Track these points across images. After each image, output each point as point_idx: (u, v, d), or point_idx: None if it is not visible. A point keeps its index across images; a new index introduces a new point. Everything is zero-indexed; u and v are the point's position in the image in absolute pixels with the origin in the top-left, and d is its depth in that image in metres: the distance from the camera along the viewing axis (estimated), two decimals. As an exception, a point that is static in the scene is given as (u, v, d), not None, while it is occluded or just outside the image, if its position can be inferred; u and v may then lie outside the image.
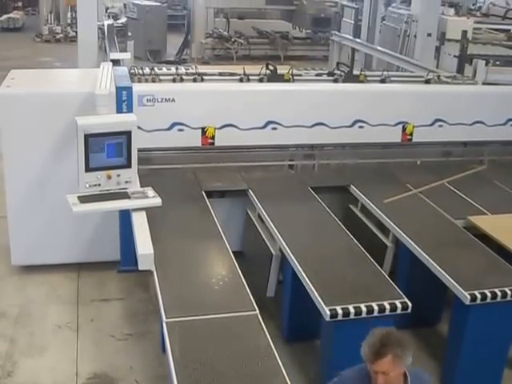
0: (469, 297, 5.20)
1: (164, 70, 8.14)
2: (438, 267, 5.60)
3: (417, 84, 8.39)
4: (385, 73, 8.36)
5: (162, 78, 7.52)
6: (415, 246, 5.96)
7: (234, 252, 5.72)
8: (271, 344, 4.45)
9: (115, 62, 7.78)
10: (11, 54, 19.63)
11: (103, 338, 6.19)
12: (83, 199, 5.69)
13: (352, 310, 4.90)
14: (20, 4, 30.07)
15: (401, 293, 5.18)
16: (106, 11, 19.10)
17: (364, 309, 4.92)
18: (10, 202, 6.95)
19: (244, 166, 7.43)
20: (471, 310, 5.29)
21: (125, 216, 6.29)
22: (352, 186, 7.23)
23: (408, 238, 6.10)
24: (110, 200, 5.77)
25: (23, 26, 25.74)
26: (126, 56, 8.34)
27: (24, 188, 6.85)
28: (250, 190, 6.99)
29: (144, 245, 5.20)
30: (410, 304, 5.05)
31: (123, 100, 6.72)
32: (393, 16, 17.20)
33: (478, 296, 5.22)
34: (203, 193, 6.82)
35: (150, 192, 5.91)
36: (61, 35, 23.47)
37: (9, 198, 6.95)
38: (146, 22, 19.95)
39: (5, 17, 25.69)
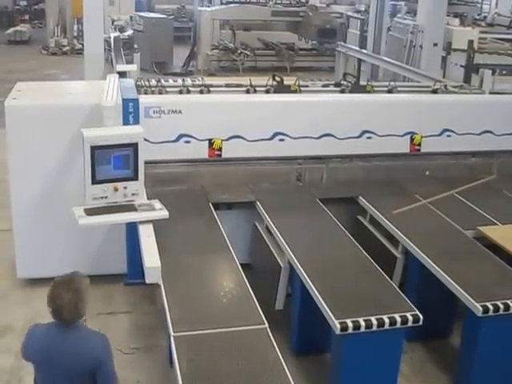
0: (481, 308, 5.13)
1: (170, 81, 8.12)
2: (448, 278, 5.53)
3: (424, 94, 8.34)
4: (392, 83, 8.32)
5: (168, 89, 7.50)
6: (425, 257, 5.90)
7: (241, 264, 5.67)
8: (281, 358, 4.39)
9: (122, 74, 7.76)
10: (18, 66, 19.68)
11: (110, 351, 6.12)
12: (89, 212, 5.65)
13: (362, 323, 4.83)
14: (27, 17, 30.20)
15: (412, 305, 5.12)
16: (113, 24, 19.16)
17: (375, 322, 4.86)
18: (16, 214, 6.92)
19: (251, 178, 7.37)
20: (483, 321, 5.22)
21: (131, 228, 6.25)
22: (360, 197, 7.17)
23: (418, 249, 6.03)
24: (117, 212, 5.73)
25: (30, 38, 25.81)
26: (133, 68, 8.32)
27: (30, 200, 6.81)
28: (257, 202, 6.94)
29: (151, 258, 5.15)
30: (421, 316, 4.99)
31: (130, 112, 6.69)
32: (398, 26, 17.18)
33: (491, 307, 5.15)
34: (210, 205, 6.77)
35: (157, 204, 5.87)
36: (67, 48, 23.53)
37: (14, 211, 6.91)
38: (152, 35, 19.96)
39: (12, 30, 25.79)
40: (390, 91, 8.14)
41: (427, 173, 7.89)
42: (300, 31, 21.44)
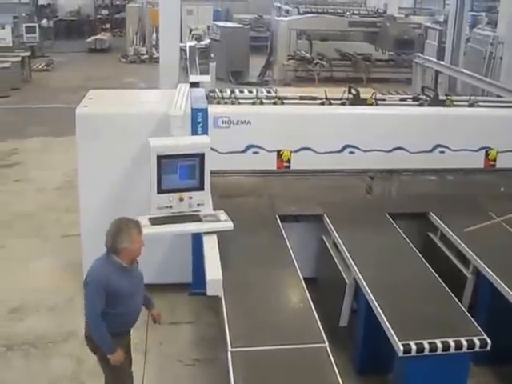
0: (553, 334, 4.89)
1: (245, 92, 8.08)
2: (521, 301, 5.30)
3: (502, 108, 8.05)
4: (472, 97, 8.04)
5: (241, 101, 7.46)
6: (497, 278, 5.66)
7: (307, 278, 5.59)
8: (339, 380, 4.25)
9: (195, 85, 7.74)
10: (96, 74, 20.11)
11: (170, 362, 6.13)
12: (154, 221, 5.63)
13: (426, 346, 4.67)
14: (108, 26, 30.91)
15: (480, 329, 4.92)
16: (190, 33, 19.39)
17: (439, 345, 4.70)
18: (84, 220, 7.02)
19: (320, 190, 7.25)
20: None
21: (197, 238, 6.21)
22: (431, 213, 6.97)
23: (489, 270, 5.80)
24: (181, 223, 5.70)
25: (110, 46, 26.40)
26: (206, 79, 8.29)
27: (97, 207, 6.87)
28: (325, 216, 6.82)
29: (213, 270, 5.10)
30: (489, 341, 4.79)
31: (198, 121, 6.69)
32: (478, 38, 16.80)
33: None
34: (277, 217, 6.68)
35: (222, 215, 5.82)
36: (146, 56, 23.95)
37: (82, 217, 7.03)
38: (229, 44, 20.07)
39: (92, 38, 26.45)
40: (470, 106, 7.87)
41: (502, 189, 7.60)
42: (377, 42, 21.23)
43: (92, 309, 4.77)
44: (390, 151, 7.25)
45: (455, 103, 7.91)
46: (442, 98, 8.04)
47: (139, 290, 5.01)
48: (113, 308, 4.78)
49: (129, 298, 4.87)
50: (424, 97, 8.02)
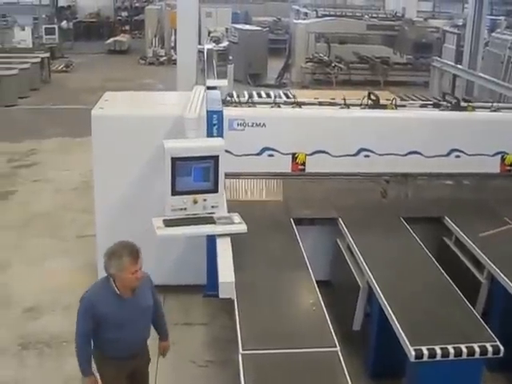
0: None
1: (263, 94, 8.08)
2: (535, 308, 5.27)
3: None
4: (495, 104, 7.97)
5: (259, 106, 7.46)
6: (511, 283, 5.61)
7: (321, 281, 5.58)
8: (349, 384, 4.25)
9: (211, 87, 7.75)
10: (115, 75, 20.22)
11: (183, 363, 6.15)
12: (168, 223, 5.66)
13: (439, 352, 4.66)
14: (127, 27, 31.07)
15: (493, 335, 4.89)
16: (209, 35, 19.41)
17: (452, 350, 4.68)
18: (99, 221, 7.06)
19: (335, 194, 7.25)
20: None
21: (212, 240, 6.22)
22: (446, 218, 6.94)
23: (504, 276, 5.76)
24: (195, 225, 5.71)
25: (129, 48, 26.51)
26: (223, 83, 8.28)
27: (112, 208, 6.93)
28: (340, 219, 6.81)
29: (225, 272, 5.11)
30: (501, 348, 4.76)
31: (214, 124, 6.71)
32: (496, 42, 16.70)
33: None
34: (291, 220, 6.68)
35: (236, 218, 5.82)
36: (164, 58, 24.02)
37: (98, 218, 7.07)
38: (247, 46, 20.12)
39: (112, 39, 26.58)
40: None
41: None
42: (395, 45, 21.22)
43: (77, 327, 4.65)
44: (405, 155, 7.23)
45: (477, 110, 7.82)
46: (463, 104, 7.96)
47: (138, 320, 4.72)
48: (104, 332, 4.63)
49: (122, 326, 4.63)
50: (445, 103, 7.97)
